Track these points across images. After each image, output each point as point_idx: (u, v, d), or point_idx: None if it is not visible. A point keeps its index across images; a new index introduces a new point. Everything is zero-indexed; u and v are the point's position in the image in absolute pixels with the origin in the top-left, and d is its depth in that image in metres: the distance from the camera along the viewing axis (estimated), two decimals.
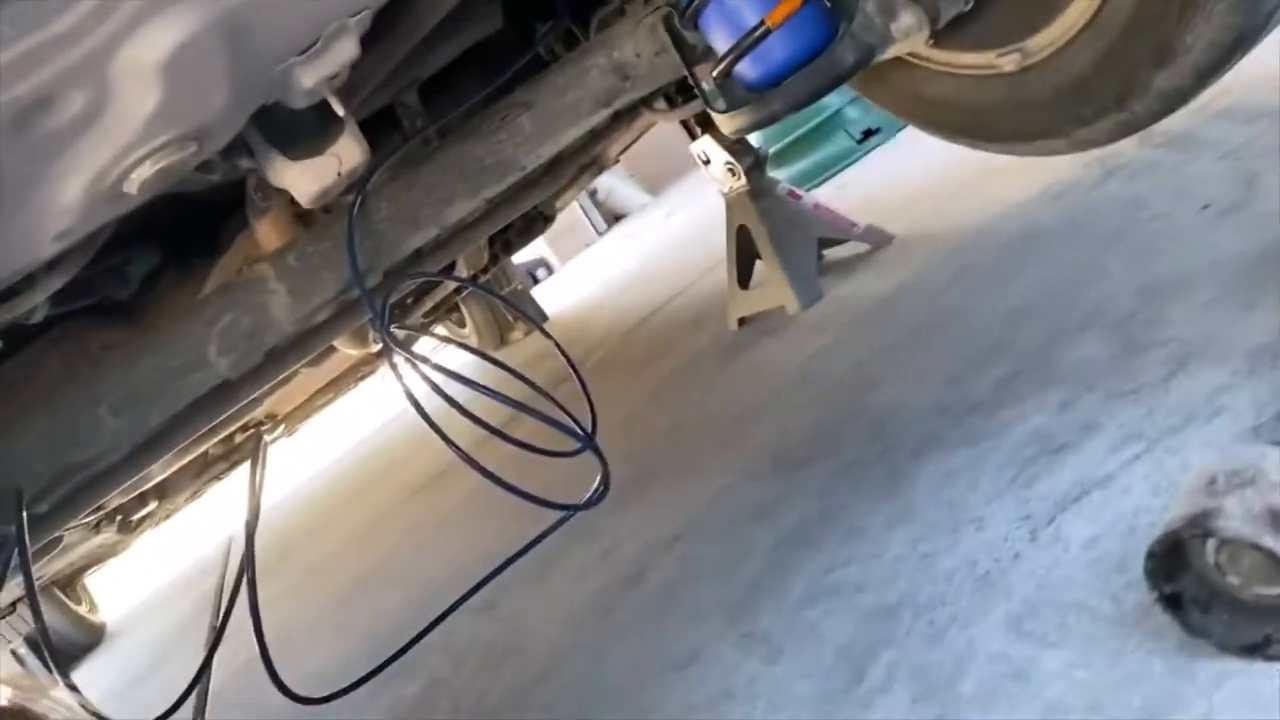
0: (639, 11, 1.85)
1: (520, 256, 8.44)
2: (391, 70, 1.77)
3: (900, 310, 1.88)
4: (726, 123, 1.73)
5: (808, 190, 3.81)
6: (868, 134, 3.87)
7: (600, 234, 9.68)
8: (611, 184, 9.61)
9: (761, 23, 1.57)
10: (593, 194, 9.67)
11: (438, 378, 1.53)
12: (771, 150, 4.06)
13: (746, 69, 1.66)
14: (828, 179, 3.88)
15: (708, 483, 1.69)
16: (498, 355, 5.61)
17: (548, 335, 1.97)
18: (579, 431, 1.61)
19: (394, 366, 1.60)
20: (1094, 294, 1.39)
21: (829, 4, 1.67)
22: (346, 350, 2.48)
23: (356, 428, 6.14)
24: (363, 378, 4.73)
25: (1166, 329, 1.17)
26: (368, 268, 1.68)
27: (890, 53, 1.60)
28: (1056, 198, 1.87)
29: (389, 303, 1.68)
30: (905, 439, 1.36)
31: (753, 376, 2.10)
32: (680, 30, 1.77)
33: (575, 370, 1.83)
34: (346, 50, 1.10)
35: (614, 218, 9.90)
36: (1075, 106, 1.61)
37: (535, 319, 1.92)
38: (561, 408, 1.64)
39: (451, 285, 3.49)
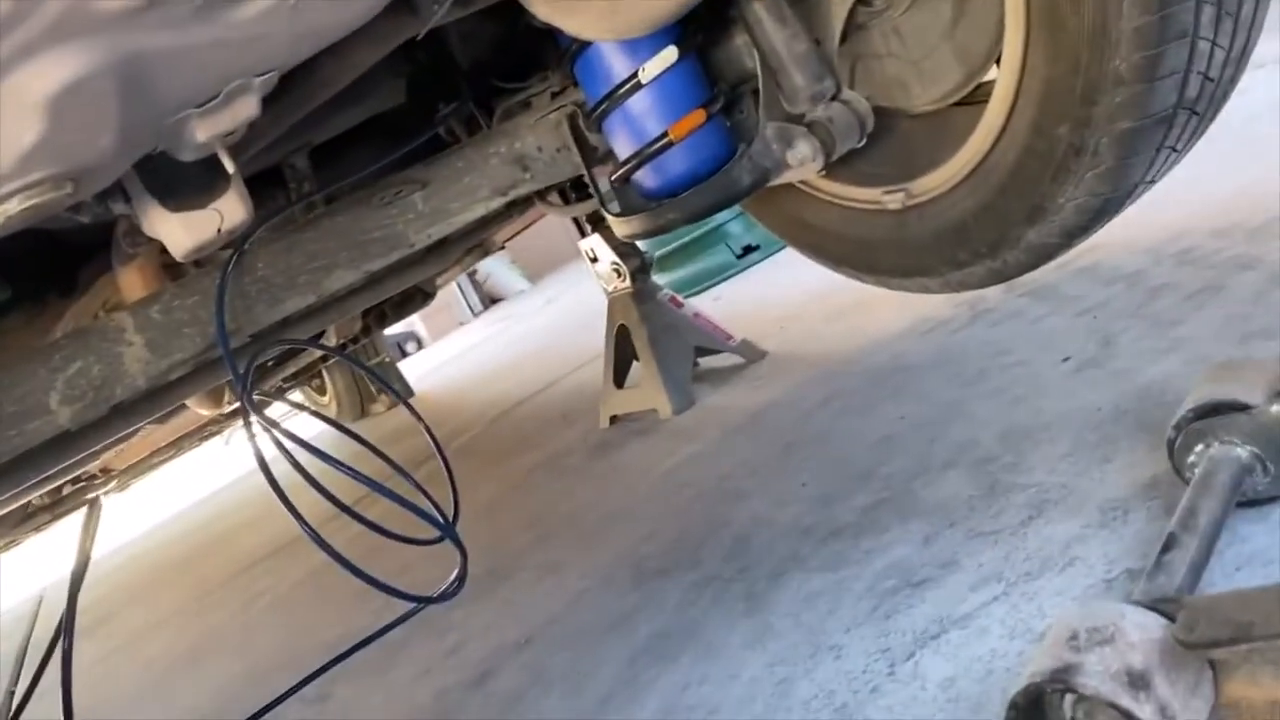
0: (545, 106, 1.86)
1: (390, 329, 8.32)
2: (284, 131, 1.73)
3: (770, 426, 1.90)
4: (620, 226, 1.75)
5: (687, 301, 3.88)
6: (747, 250, 3.98)
7: (475, 314, 9.64)
8: (492, 268, 9.62)
9: (664, 134, 1.61)
10: (472, 274, 9.64)
11: (294, 448, 1.47)
12: (653, 257, 4.14)
13: (645, 177, 1.69)
14: (705, 289, 3.96)
15: (565, 585, 1.65)
16: (356, 427, 5.45)
17: (417, 416, 1.92)
18: (439, 519, 1.56)
19: (250, 432, 1.53)
20: (958, 433, 1.44)
21: (730, 125, 1.73)
22: (198, 410, 2.36)
23: (198, 486, 5.83)
24: (208, 436, 4.51)
25: (1027, 475, 1.22)
26: (235, 328, 1.61)
27: (784, 179, 1.66)
28: (925, 334, 1.95)
29: (252, 366, 1.62)
30: (767, 557, 1.36)
31: (619, 478, 2.08)
32: (584, 130, 1.79)
33: (441, 453, 1.79)
34: (247, 109, 1.06)
35: (491, 300, 9.89)
36: (951, 250, 1.68)
37: (401, 396, 1.87)
38: (423, 491, 1.59)
39: (317, 353, 3.40)
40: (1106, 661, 0.68)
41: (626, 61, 1.59)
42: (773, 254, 3.86)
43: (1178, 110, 1.40)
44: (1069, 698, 0.70)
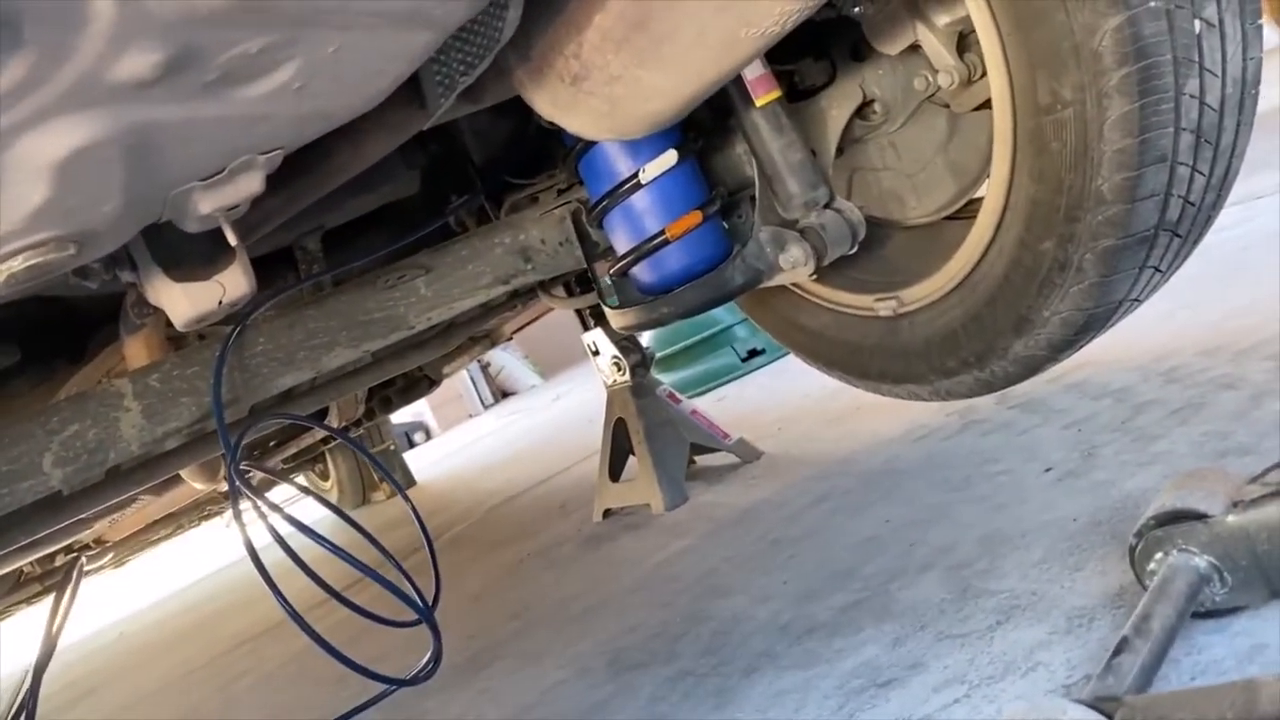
0: (550, 201, 1.93)
1: (398, 417, 8.35)
2: (297, 213, 1.79)
3: (759, 524, 1.90)
4: (616, 318, 1.79)
5: (688, 399, 3.91)
6: (752, 354, 4.02)
7: (486, 407, 9.69)
8: (505, 361, 9.71)
9: (662, 232, 1.66)
10: (485, 367, 9.73)
11: (286, 527, 1.49)
12: (660, 355, 4.19)
13: (642, 272, 1.74)
14: (709, 391, 3.99)
15: (543, 674, 1.64)
16: (356, 514, 5.45)
17: (406, 499, 1.94)
18: (418, 602, 1.56)
19: (237, 506, 1.54)
20: (939, 536, 1.44)
21: (727, 227, 1.78)
22: (193, 483, 2.38)
23: (196, 567, 5.81)
24: (207, 516, 4.52)
25: (999, 580, 1.22)
26: (232, 399, 1.64)
27: (776, 280, 1.70)
28: (917, 440, 1.96)
29: (245, 440, 1.64)
30: (742, 653, 1.35)
31: (607, 570, 2.08)
32: (586, 225, 1.85)
33: (428, 539, 1.80)
34: (251, 184, 1.11)
35: (502, 394, 9.95)
36: (941, 358, 1.71)
37: (396, 482, 1.89)
38: (407, 576, 1.59)
39: (319, 434, 3.43)
40: None
41: (628, 162, 1.65)
42: (777, 359, 3.89)
43: (1159, 231, 1.44)
44: None
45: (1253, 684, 0.64)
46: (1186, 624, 0.95)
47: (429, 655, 1.48)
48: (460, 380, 9.48)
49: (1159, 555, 0.94)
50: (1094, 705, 0.72)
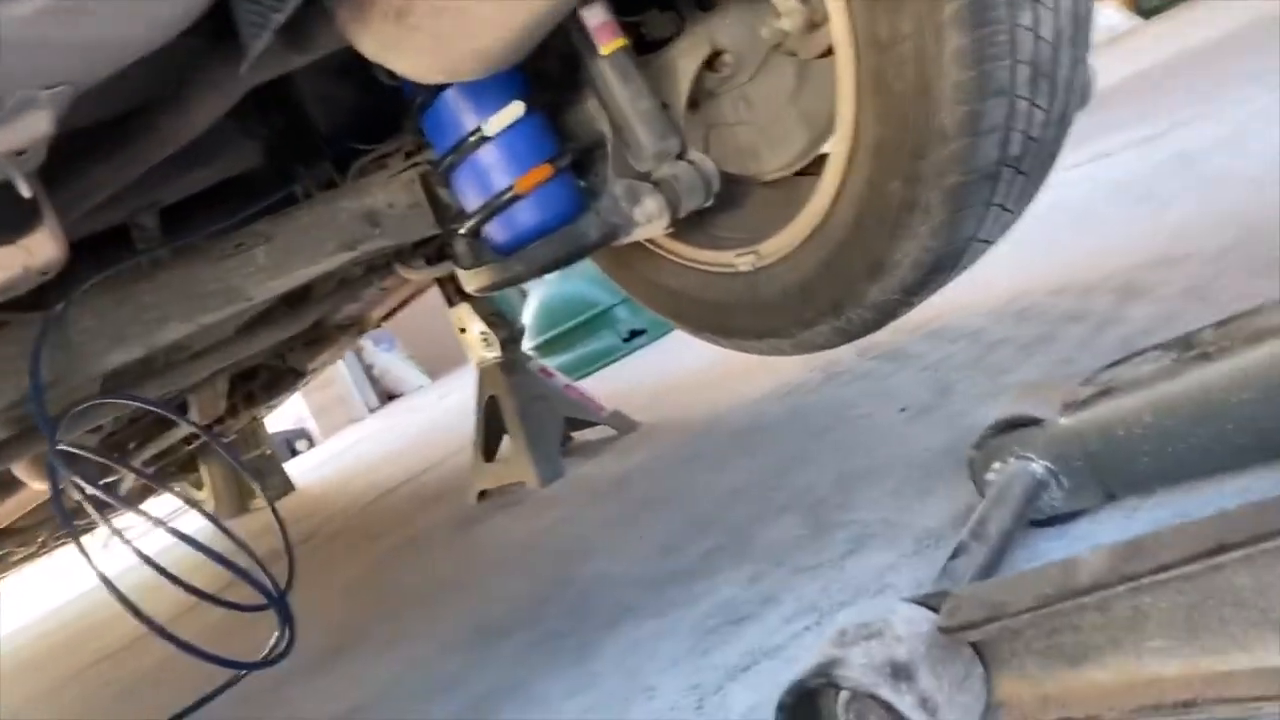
0: (399, 165, 1.85)
1: (279, 424, 8.08)
2: (129, 187, 1.69)
3: (631, 489, 1.87)
4: (469, 280, 1.73)
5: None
6: (634, 334, 4.00)
7: (371, 410, 9.45)
8: (389, 363, 9.50)
9: (511, 186, 1.61)
10: (369, 369, 9.50)
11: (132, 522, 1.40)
12: (540, 339, 4.13)
13: (495, 231, 1.68)
14: (592, 372, 3.95)
15: (406, 654, 1.57)
16: (236, 521, 5.25)
17: (263, 494, 1.85)
18: (268, 586, 1.48)
19: (57, 495, 1.44)
20: (799, 480, 1.42)
21: (583, 185, 1.73)
22: (32, 483, 2.23)
23: (71, 583, 5.53)
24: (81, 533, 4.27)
25: (852, 512, 1.20)
26: (54, 381, 1.54)
27: (633, 235, 1.66)
28: (783, 396, 1.95)
29: (74, 426, 1.54)
30: (604, 609, 1.31)
31: (479, 550, 2.02)
32: (435, 187, 1.79)
33: (280, 523, 1.71)
34: (37, 125, 1.02)
35: (388, 396, 9.72)
36: (800, 309, 1.70)
37: (257, 479, 1.79)
38: (258, 562, 1.51)
39: (180, 434, 3.27)
40: (870, 655, 0.65)
41: (473, 115, 1.59)
42: (659, 338, 3.88)
43: (1002, 166, 1.44)
44: (842, 697, 0.67)
45: (1072, 561, 0.63)
46: (1027, 532, 0.94)
47: (273, 638, 1.40)
48: (343, 384, 9.24)
49: (997, 464, 0.94)
50: (922, 601, 0.69)
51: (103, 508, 1.47)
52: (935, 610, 0.68)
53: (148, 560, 1.44)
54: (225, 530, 1.62)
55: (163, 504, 5.98)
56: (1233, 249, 1.48)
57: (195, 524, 4.41)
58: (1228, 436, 0.82)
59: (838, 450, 1.47)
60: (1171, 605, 0.60)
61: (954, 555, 0.82)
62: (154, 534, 1.45)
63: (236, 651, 1.32)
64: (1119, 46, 7.46)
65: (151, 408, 1.86)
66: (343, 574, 2.45)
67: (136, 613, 1.37)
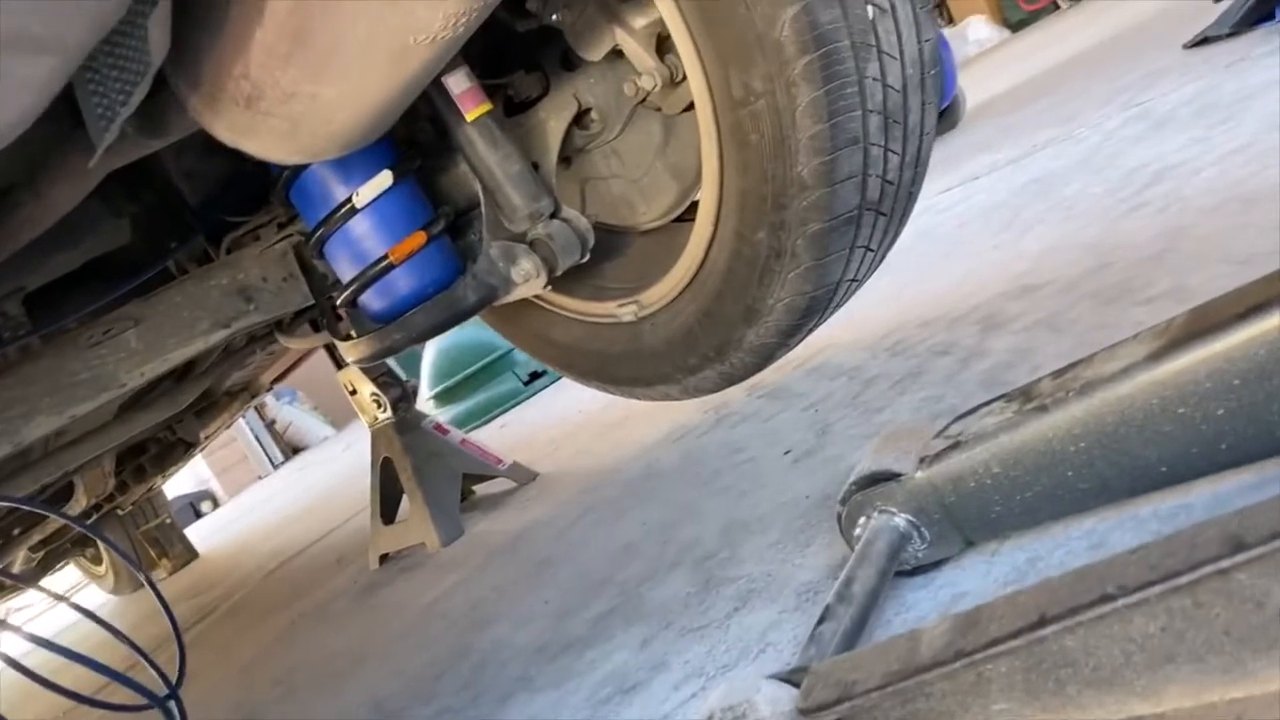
0: (271, 237, 1.83)
1: (180, 487, 7.83)
2: None
3: (528, 547, 1.86)
4: (349, 351, 1.71)
5: (471, 430, 3.84)
6: (534, 376, 3.99)
7: (276, 466, 9.23)
8: (293, 415, 9.29)
9: (385, 256, 1.60)
10: (271, 424, 9.28)
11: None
12: (440, 388, 4.10)
13: (372, 300, 1.66)
14: (494, 418, 3.93)
15: None
16: (139, 595, 5.06)
17: (152, 586, 1.79)
18: (152, 690, 1.44)
19: None
20: (687, 532, 1.44)
21: (459, 247, 1.73)
22: None
23: None
24: None
25: (738, 567, 1.22)
26: None
27: (512, 296, 1.67)
28: (676, 440, 1.97)
29: None
30: (499, 682, 1.30)
31: (379, 618, 1.98)
32: (310, 258, 1.77)
33: (173, 621, 1.65)
34: None
35: (293, 450, 9.51)
36: (683, 356, 1.72)
37: (136, 564, 1.72)
38: (146, 658, 1.46)
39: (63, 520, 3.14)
40: None
41: (340, 186, 1.58)
42: (559, 379, 3.87)
43: (862, 210, 1.49)
44: None
45: (915, 634, 0.65)
46: (897, 584, 0.97)
47: None
48: (245, 442, 9.01)
49: (862, 519, 0.96)
50: (785, 678, 0.71)
51: None
52: (795, 685, 0.70)
53: (19, 667, 1.38)
54: (107, 626, 1.56)
55: (60, 581, 5.74)
56: (1085, 278, 1.55)
57: (97, 599, 4.25)
58: (1069, 483, 0.85)
59: (724, 499, 1.49)
60: (1010, 669, 0.62)
61: (821, 620, 0.84)
62: (53, 613, 1.39)
63: None
64: (989, 60, 7.75)
65: (25, 506, 1.78)
66: (242, 651, 2.38)
67: None
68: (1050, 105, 3.50)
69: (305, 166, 1.58)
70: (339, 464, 6.10)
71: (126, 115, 1.13)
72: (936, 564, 0.96)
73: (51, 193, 1.50)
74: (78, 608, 1.61)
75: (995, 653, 0.59)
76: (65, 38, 0.91)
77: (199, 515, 8.15)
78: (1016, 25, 9.37)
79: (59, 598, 1.53)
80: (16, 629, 1.35)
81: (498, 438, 3.48)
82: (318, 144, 1.26)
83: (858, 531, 0.96)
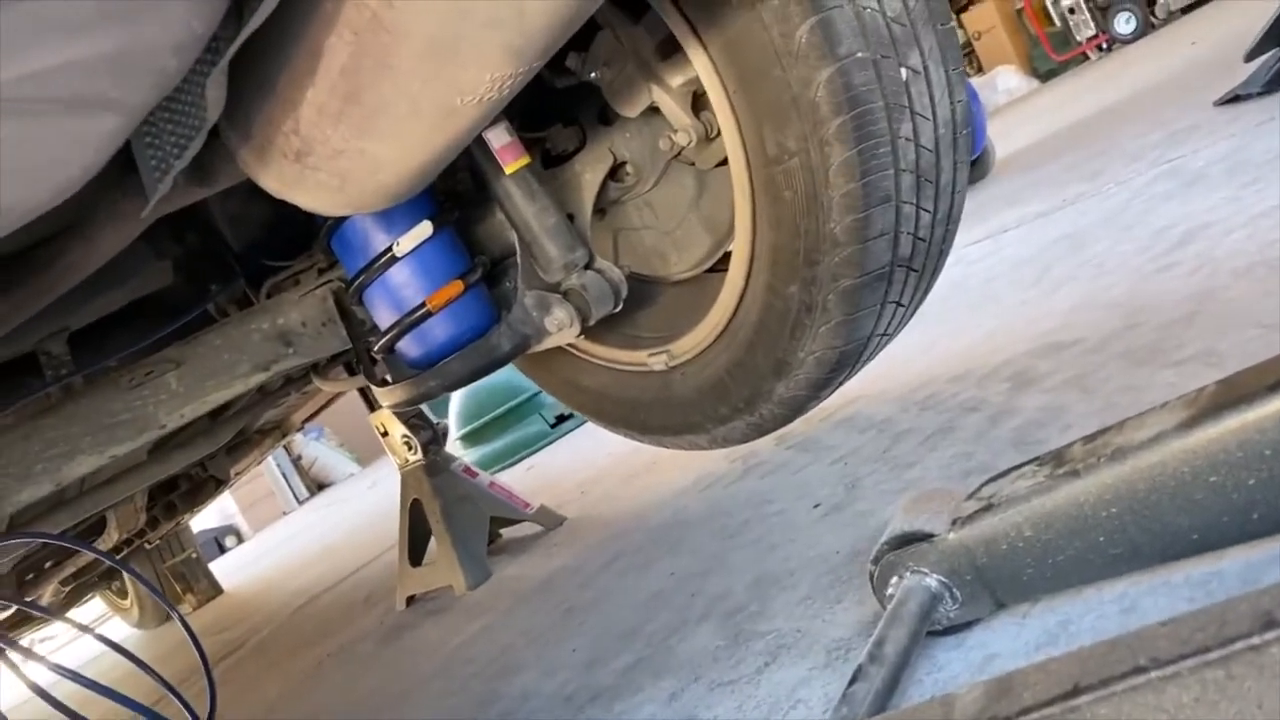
0: (311, 282, 1.87)
1: (206, 522, 7.89)
2: (36, 315, 1.67)
3: (556, 593, 1.87)
4: (385, 396, 1.74)
5: (497, 471, 3.86)
6: (560, 419, 4.01)
7: (301, 502, 9.28)
8: (318, 452, 9.36)
9: (423, 304, 1.63)
10: (296, 460, 9.35)
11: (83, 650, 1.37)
12: (467, 429, 4.12)
13: (409, 347, 1.70)
14: (520, 460, 3.95)
15: None
16: (162, 630, 5.09)
17: (183, 622, 1.82)
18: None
19: None
20: (716, 584, 1.45)
21: (494, 295, 1.77)
22: None
23: None
24: None
25: (768, 622, 1.23)
26: None
27: (545, 344, 1.69)
28: (704, 490, 1.98)
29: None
30: None
31: (407, 662, 1.99)
32: (349, 304, 1.80)
33: (204, 658, 1.68)
34: None
35: (318, 486, 9.56)
36: (713, 407, 1.74)
37: (166, 600, 1.75)
38: (176, 695, 1.48)
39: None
40: None
41: (382, 235, 1.62)
42: (586, 422, 3.89)
43: (894, 267, 1.51)
44: None
45: (948, 699, 0.66)
46: (928, 643, 0.97)
47: None
48: (271, 477, 9.07)
49: (894, 579, 0.97)
50: None
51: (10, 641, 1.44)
52: None
53: (39, 692, 1.40)
54: (139, 662, 1.58)
55: (86, 612, 5.78)
56: (1114, 337, 1.56)
57: (121, 634, 4.27)
58: (1101, 548, 0.86)
59: (753, 550, 1.50)
60: None
61: (853, 680, 0.85)
62: (78, 646, 1.41)
63: None
64: (1017, 110, 7.79)
65: (60, 542, 1.81)
66: (268, 691, 2.39)
67: None
68: (1080, 159, 3.51)
69: (348, 216, 1.62)
70: (364, 501, 6.13)
71: (180, 168, 1.17)
72: (968, 624, 0.96)
73: (99, 238, 1.54)
74: (107, 641, 1.63)
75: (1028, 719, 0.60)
76: (131, 99, 0.95)
77: (223, 550, 8.20)
78: (1046, 75, 9.42)
79: (87, 630, 1.56)
80: (46, 660, 1.37)
81: (524, 480, 3.50)
82: (364, 198, 1.30)
83: (890, 591, 0.97)
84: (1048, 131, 5.03)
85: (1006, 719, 0.60)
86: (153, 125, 1.15)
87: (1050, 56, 9.33)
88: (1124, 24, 8.62)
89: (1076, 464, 0.87)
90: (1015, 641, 0.91)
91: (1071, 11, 8.97)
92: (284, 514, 8.96)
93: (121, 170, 1.31)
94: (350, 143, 1.19)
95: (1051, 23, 9.33)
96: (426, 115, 1.15)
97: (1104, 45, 8.95)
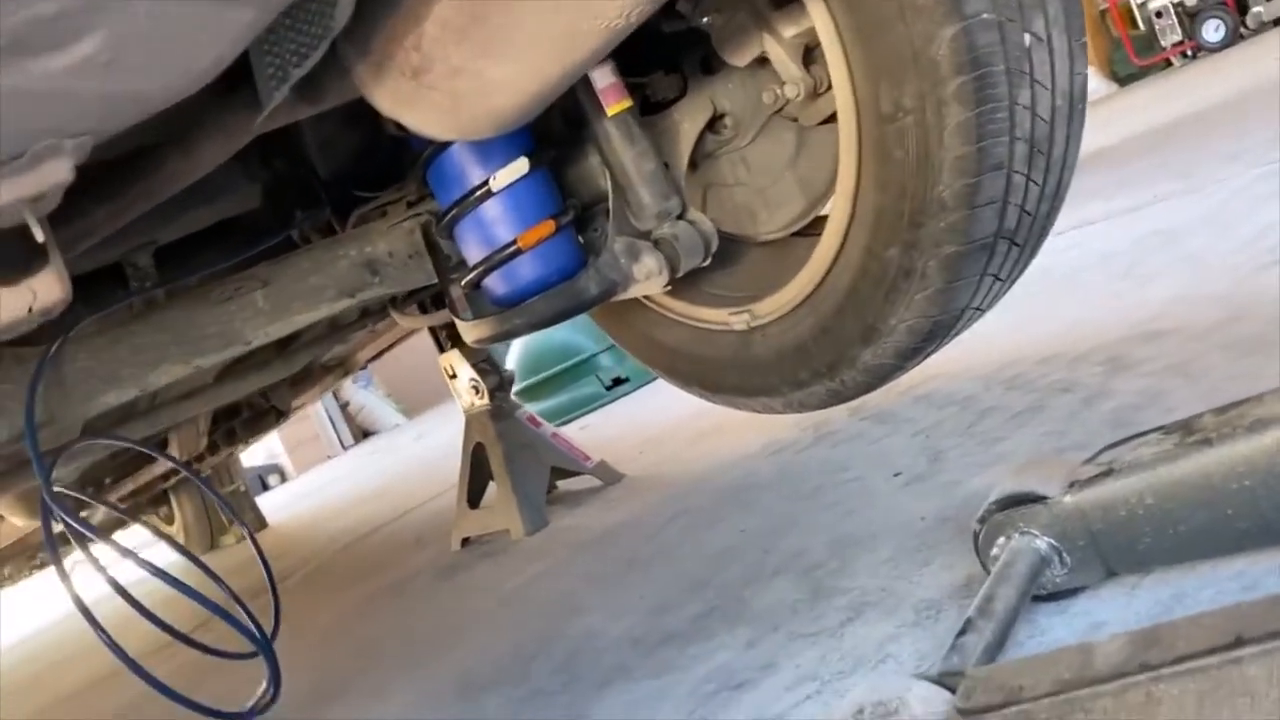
0: (400, 214, 1.87)
1: (251, 459, 8.00)
2: (127, 225, 1.69)
3: (618, 544, 1.87)
4: (468, 331, 1.74)
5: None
6: (617, 381, 4.01)
7: (346, 448, 9.39)
8: (366, 400, 9.46)
9: (514, 242, 1.62)
10: (344, 406, 9.45)
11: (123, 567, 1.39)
12: (523, 385, 4.13)
13: (495, 284, 1.69)
14: (573, 419, 3.95)
15: (388, 703, 1.56)
16: (205, 558, 5.16)
17: (251, 536, 1.84)
18: (255, 634, 1.47)
19: (50, 535, 1.43)
20: (791, 543, 1.43)
21: (582, 240, 1.75)
22: (13, 518, 2.21)
23: (39, 616, 5.41)
24: (40, 565, 4.23)
25: (850, 579, 1.21)
26: (47, 420, 1.53)
27: (631, 292, 1.68)
28: (773, 455, 1.97)
29: (71, 466, 1.53)
30: (596, 668, 1.31)
31: (461, 599, 2.00)
32: (436, 238, 1.80)
33: (268, 569, 1.70)
34: (57, 173, 1.02)
35: (363, 434, 9.66)
36: (793, 370, 1.72)
37: (241, 520, 1.78)
38: (245, 608, 1.50)
39: (158, 470, 3.24)
40: None
41: (478, 169, 1.62)
42: (642, 386, 3.89)
43: (998, 238, 1.48)
44: None
45: (1088, 646, 0.64)
46: (1029, 607, 0.95)
47: (264, 687, 1.38)
48: (318, 420, 9.19)
49: (1001, 539, 0.95)
50: (938, 680, 0.70)
51: (81, 541, 1.46)
52: (951, 690, 0.69)
53: (133, 602, 1.42)
54: (209, 571, 1.60)
55: (131, 537, 5.89)
56: (1216, 328, 1.52)
57: (167, 558, 4.36)
58: (1227, 521, 0.83)
59: (831, 513, 1.48)
60: (1183, 692, 0.61)
61: (962, 631, 0.83)
62: (124, 566, 1.43)
63: (210, 695, 1.31)
64: (1096, 112, 7.62)
65: (143, 449, 1.84)
66: (321, 619, 2.42)
67: (122, 655, 1.35)
68: (1165, 160, 3.43)
69: (446, 147, 1.61)
70: (408, 452, 6.18)
71: (299, 77, 1.16)
72: (1073, 591, 0.94)
73: (199, 151, 1.54)
74: (178, 547, 1.65)
75: (1180, 670, 0.58)
76: None
77: (266, 488, 8.32)
78: (1125, 79, 9.21)
79: (174, 544, 1.58)
80: (136, 555, 1.38)
81: (580, 437, 3.50)
82: (476, 122, 1.29)
83: (995, 552, 0.95)
84: (1129, 133, 4.92)
85: (1159, 665, 0.58)
86: (273, 31, 1.15)
87: (1132, 60, 9.12)
88: (1212, 31, 8.39)
89: (1209, 433, 0.84)
90: (1124, 611, 0.89)
91: (1159, 15, 8.74)
92: (328, 458, 9.07)
93: (228, 84, 1.31)
94: (470, 63, 1.18)
95: (1136, 26, 9.11)
96: (550, 39, 1.13)
97: (1189, 53, 8.72)
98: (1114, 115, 6.51)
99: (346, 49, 1.26)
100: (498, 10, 1.10)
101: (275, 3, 0.97)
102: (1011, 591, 0.87)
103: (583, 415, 4.00)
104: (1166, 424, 0.92)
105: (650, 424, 3.06)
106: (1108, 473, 0.89)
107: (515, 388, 4.20)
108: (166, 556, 4.38)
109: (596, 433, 3.50)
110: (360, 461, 7.51)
